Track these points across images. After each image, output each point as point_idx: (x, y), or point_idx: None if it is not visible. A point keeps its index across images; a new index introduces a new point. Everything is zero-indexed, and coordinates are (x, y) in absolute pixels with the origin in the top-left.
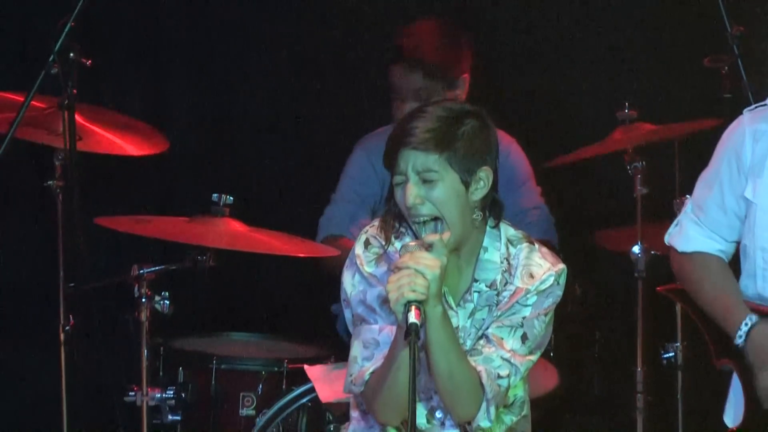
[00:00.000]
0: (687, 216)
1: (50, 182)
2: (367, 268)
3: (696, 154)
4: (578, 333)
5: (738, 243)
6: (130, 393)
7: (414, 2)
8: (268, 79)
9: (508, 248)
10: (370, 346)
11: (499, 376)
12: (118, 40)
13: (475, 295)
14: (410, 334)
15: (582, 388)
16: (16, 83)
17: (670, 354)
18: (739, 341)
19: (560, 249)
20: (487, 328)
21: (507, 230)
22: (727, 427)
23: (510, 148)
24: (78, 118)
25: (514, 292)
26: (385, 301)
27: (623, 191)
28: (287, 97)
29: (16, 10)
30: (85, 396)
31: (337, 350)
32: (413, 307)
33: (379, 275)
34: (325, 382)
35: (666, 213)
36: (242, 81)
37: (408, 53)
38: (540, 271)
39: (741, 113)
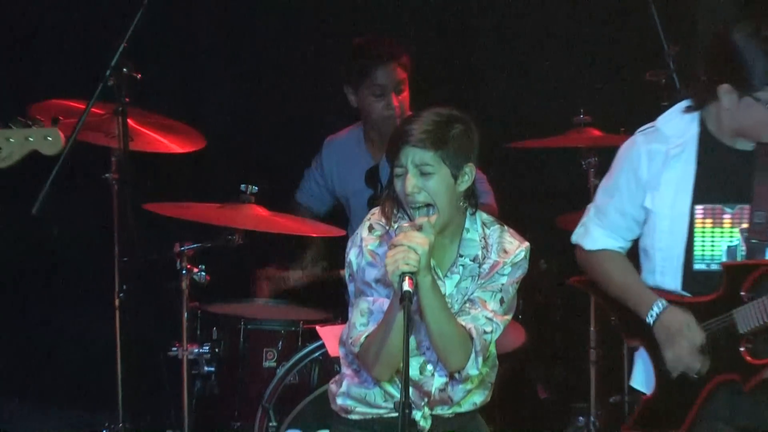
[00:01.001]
0: (591, 220)
1: (107, 175)
2: (371, 247)
3: None
4: (543, 300)
5: (634, 241)
6: (173, 349)
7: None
8: (286, 83)
9: (483, 229)
10: (366, 315)
11: (485, 332)
12: (162, 53)
13: (461, 267)
14: (404, 300)
15: (545, 345)
16: (78, 92)
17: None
18: (650, 320)
19: (528, 230)
20: (472, 293)
21: (481, 215)
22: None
23: None
24: (130, 122)
25: (493, 265)
26: (379, 280)
27: (579, 182)
28: (302, 97)
29: (76, 29)
30: (136, 351)
31: (344, 314)
32: (407, 278)
33: (381, 253)
34: (334, 340)
35: None
36: (264, 87)
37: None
38: (512, 247)
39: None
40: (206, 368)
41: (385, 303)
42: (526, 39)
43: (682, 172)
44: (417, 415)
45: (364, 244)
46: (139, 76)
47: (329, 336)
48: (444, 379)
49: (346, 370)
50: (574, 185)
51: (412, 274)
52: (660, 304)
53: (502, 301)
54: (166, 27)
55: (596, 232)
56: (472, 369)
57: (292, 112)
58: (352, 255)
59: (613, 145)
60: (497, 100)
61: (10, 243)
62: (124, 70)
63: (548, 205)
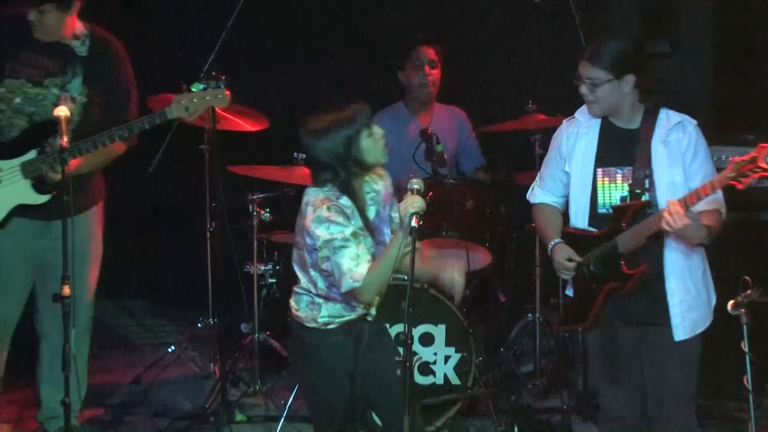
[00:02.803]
0: (535, 182)
1: (201, 146)
2: (338, 219)
3: None
4: (503, 232)
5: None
6: (247, 266)
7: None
8: (330, 76)
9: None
10: (356, 258)
11: None
12: (237, 56)
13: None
14: (412, 233)
15: (504, 264)
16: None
17: (556, 242)
18: (549, 250)
19: (494, 186)
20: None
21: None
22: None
23: (466, 119)
24: (216, 109)
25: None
26: (355, 234)
27: (528, 151)
28: (344, 86)
29: (174, 34)
30: (221, 268)
31: None
32: (414, 217)
33: (342, 221)
34: None
35: None
36: (312, 80)
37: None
38: None
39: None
40: (270, 280)
41: (368, 247)
42: (490, 48)
43: (588, 146)
44: (372, 312)
45: (331, 218)
46: (223, 77)
47: None
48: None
49: (320, 299)
50: (525, 154)
51: (418, 214)
52: (553, 242)
53: None
54: (240, 36)
55: (537, 191)
56: None
57: (335, 97)
58: (319, 230)
59: (553, 125)
60: (469, 96)
61: (135, 192)
62: (213, 72)
63: (507, 168)
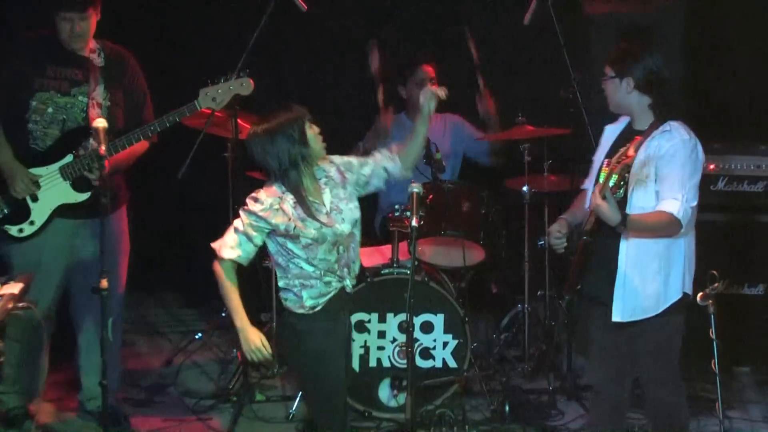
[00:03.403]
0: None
1: (225, 154)
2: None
3: (555, 143)
4: (495, 231)
5: None
6: (266, 262)
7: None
8: (345, 90)
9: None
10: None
11: None
12: (255, 72)
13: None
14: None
15: (496, 260)
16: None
17: (542, 242)
18: None
19: (488, 189)
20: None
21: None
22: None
23: (460, 120)
24: (239, 121)
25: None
26: (249, 227)
27: (517, 159)
28: (355, 103)
29: (202, 55)
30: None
31: (374, 241)
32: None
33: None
34: (366, 255)
35: (540, 170)
36: (326, 92)
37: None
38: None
39: (583, 123)
40: None
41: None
42: (485, 65)
43: (608, 139)
44: (347, 282)
45: (248, 206)
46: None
47: (363, 253)
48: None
49: (300, 290)
50: (514, 161)
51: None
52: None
53: None
54: (260, 55)
55: (586, 180)
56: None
57: (347, 111)
58: (279, 217)
59: (540, 136)
60: (466, 107)
61: (165, 196)
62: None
63: (500, 174)
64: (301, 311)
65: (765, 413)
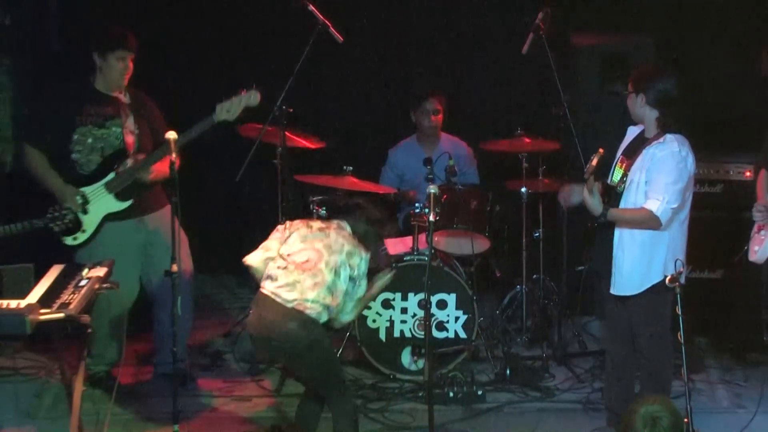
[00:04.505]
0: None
1: (275, 161)
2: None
3: (547, 152)
4: (498, 225)
5: None
6: None
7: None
8: (369, 114)
9: None
10: None
11: None
12: (301, 93)
13: None
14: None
15: (499, 248)
16: (263, 118)
17: (537, 234)
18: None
19: (491, 190)
20: None
21: None
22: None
23: (467, 151)
24: (287, 133)
25: None
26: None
27: (516, 165)
28: (377, 122)
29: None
30: None
31: (399, 234)
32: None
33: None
34: (391, 245)
35: (536, 175)
36: (356, 111)
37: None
38: None
39: (571, 137)
40: None
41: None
42: (489, 86)
43: (627, 139)
44: None
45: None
46: (290, 110)
47: (390, 243)
48: None
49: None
50: (514, 167)
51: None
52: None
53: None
54: (304, 79)
55: None
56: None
57: (371, 129)
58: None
59: (537, 149)
60: (474, 120)
61: (227, 195)
62: (284, 107)
63: (501, 177)
64: (319, 319)
65: (721, 376)
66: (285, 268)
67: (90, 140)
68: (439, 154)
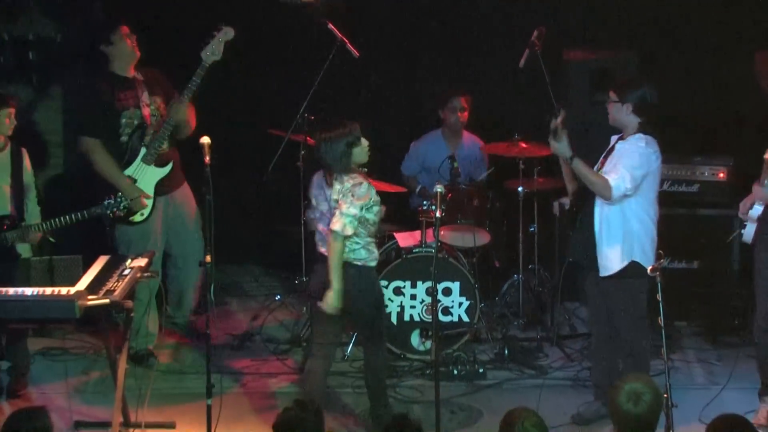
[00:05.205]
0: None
1: (298, 163)
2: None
3: (541, 158)
4: (498, 220)
5: None
6: None
7: None
8: (394, 114)
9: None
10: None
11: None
12: (323, 100)
13: None
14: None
15: (498, 242)
16: (282, 125)
17: (532, 228)
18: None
19: (492, 187)
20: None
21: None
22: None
23: (482, 147)
24: (309, 138)
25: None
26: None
27: (513, 166)
28: (402, 122)
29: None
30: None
31: (406, 228)
32: None
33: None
34: (402, 239)
35: (532, 175)
36: (378, 115)
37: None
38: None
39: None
40: None
41: None
42: (493, 96)
43: (609, 145)
44: None
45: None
46: (312, 117)
47: (400, 237)
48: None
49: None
50: (511, 168)
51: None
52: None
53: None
54: (325, 88)
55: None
56: None
57: (384, 135)
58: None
59: (532, 151)
60: (479, 123)
61: (255, 193)
62: (306, 115)
63: (501, 177)
64: (361, 264)
65: (698, 356)
66: None
67: (136, 122)
68: (462, 150)
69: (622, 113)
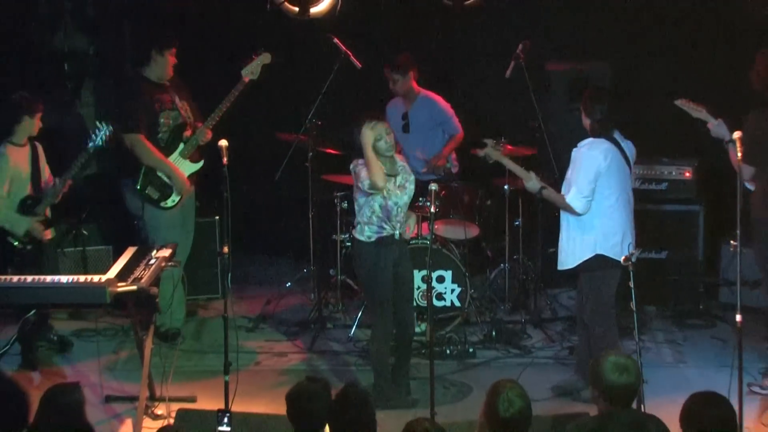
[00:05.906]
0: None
1: (306, 164)
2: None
3: (525, 159)
4: (486, 215)
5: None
6: (333, 235)
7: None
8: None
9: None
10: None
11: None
12: (326, 110)
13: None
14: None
15: (487, 234)
16: (289, 129)
17: (517, 223)
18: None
19: (482, 187)
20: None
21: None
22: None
23: (441, 103)
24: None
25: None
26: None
27: (501, 166)
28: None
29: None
30: (317, 236)
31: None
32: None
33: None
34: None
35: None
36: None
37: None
38: None
39: (545, 145)
40: (347, 244)
41: None
42: (480, 103)
43: None
44: (396, 231)
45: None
46: (319, 123)
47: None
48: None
49: (364, 224)
50: (499, 168)
51: None
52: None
53: None
54: (329, 97)
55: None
56: None
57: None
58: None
59: (517, 154)
60: (465, 130)
61: (267, 191)
62: (313, 120)
63: (488, 176)
64: (361, 238)
65: (666, 337)
66: None
67: (171, 121)
68: (414, 109)
69: (583, 120)
